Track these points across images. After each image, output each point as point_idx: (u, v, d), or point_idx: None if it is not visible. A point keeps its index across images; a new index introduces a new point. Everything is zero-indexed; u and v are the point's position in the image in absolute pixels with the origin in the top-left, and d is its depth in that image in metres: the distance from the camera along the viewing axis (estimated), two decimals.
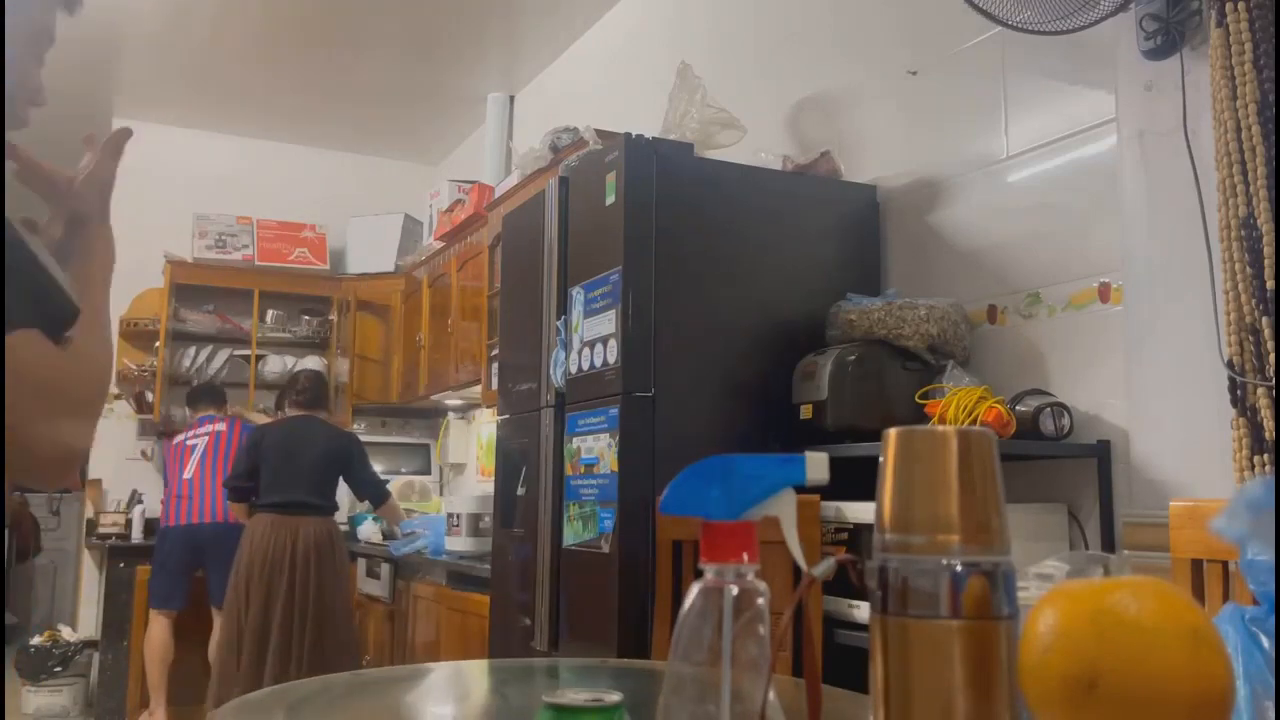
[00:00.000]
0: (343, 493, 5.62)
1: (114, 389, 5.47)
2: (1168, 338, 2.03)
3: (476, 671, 1.76)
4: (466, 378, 4.71)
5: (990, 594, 0.60)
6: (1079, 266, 2.25)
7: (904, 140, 2.75)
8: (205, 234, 5.73)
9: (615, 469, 2.36)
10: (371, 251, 5.93)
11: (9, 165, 1.25)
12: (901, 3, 2.82)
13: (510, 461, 2.97)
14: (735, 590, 0.65)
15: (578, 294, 2.61)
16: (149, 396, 5.56)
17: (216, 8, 4.56)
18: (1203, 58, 1.92)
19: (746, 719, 0.63)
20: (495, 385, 3.39)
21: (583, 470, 2.50)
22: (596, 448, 2.44)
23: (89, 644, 5.31)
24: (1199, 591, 1.35)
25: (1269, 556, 0.75)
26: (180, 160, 5.96)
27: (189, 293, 5.70)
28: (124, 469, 5.67)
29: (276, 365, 5.85)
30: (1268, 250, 1.73)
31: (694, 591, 0.66)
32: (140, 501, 5.53)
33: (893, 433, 0.64)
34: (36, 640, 5.29)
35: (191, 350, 5.70)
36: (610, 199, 2.48)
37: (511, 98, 5.41)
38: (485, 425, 5.26)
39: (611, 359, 2.42)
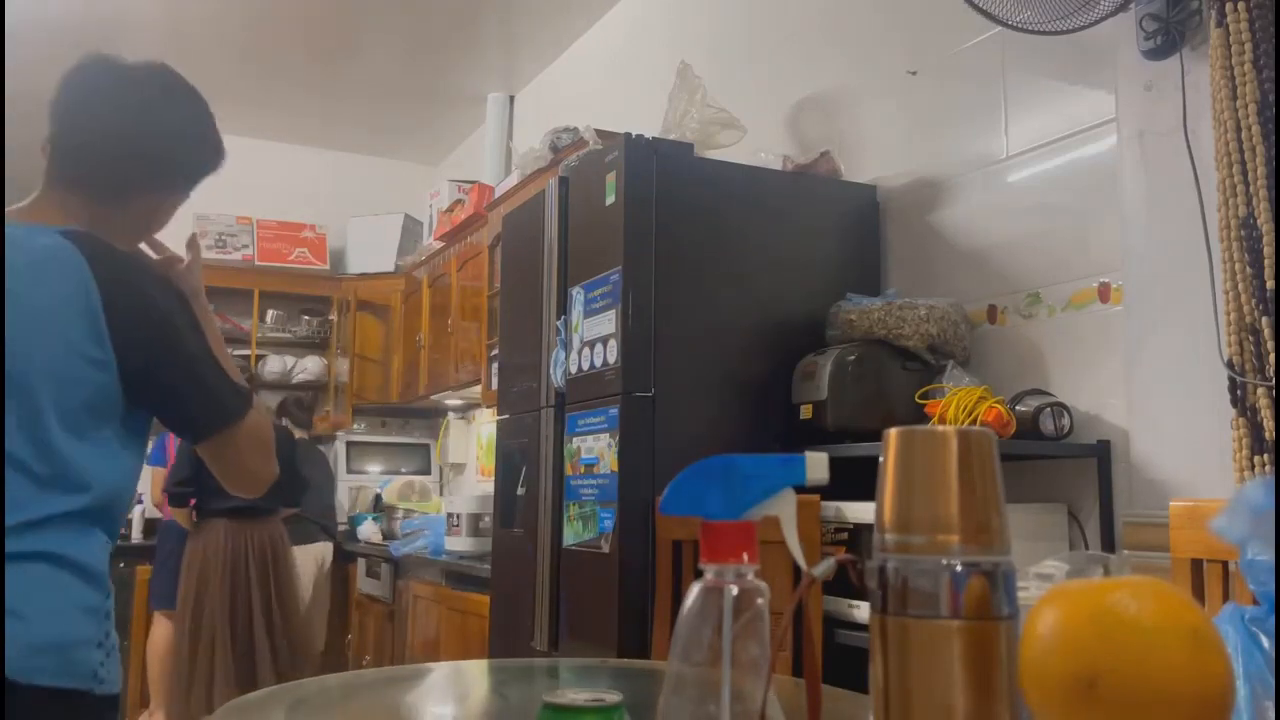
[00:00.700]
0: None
1: None
2: (1168, 338, 2.03)
3: (476, 671, 1.76)
4: (466, 378, 4.71)
5: (990, 594, 0.60)
6: (1079, 266, 2.25)
7: (904, 140, 2.75)
8: (205, 234, 5.72)
9: (615, 469, 2.36)
10: (371, 251, 5.94)
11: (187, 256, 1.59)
12: (901, 3, 2.82)
13: (510, 461, 2.97)
14: (735, 590, 0.65)
15: (578, 294, 2.61)
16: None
17: (215, 8, 4.56)
18: (1203, 58, 1.92)
19: (746, 719, 0.63)
20: (495, 385, 3.39)
21: (583, 470, 2.50)
22: (596, 448, 2.44)
23: None
24: (1199, 591, 1.35)
25: (1269, 556, 0.75)
26: None
27: None
28: None
29: (276, 365, 5.85)
30: (1268, 250, 1.73)
31: (694, 591, 0.66)
32: (140, 501, 5.52)
33: (893, 433, 0.64)
34: None
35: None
36: (610, 199, 2.48)
37: (511, 98, 5.41)
38: (485, 425, 5.27)
39: (611, 359, 2.42)
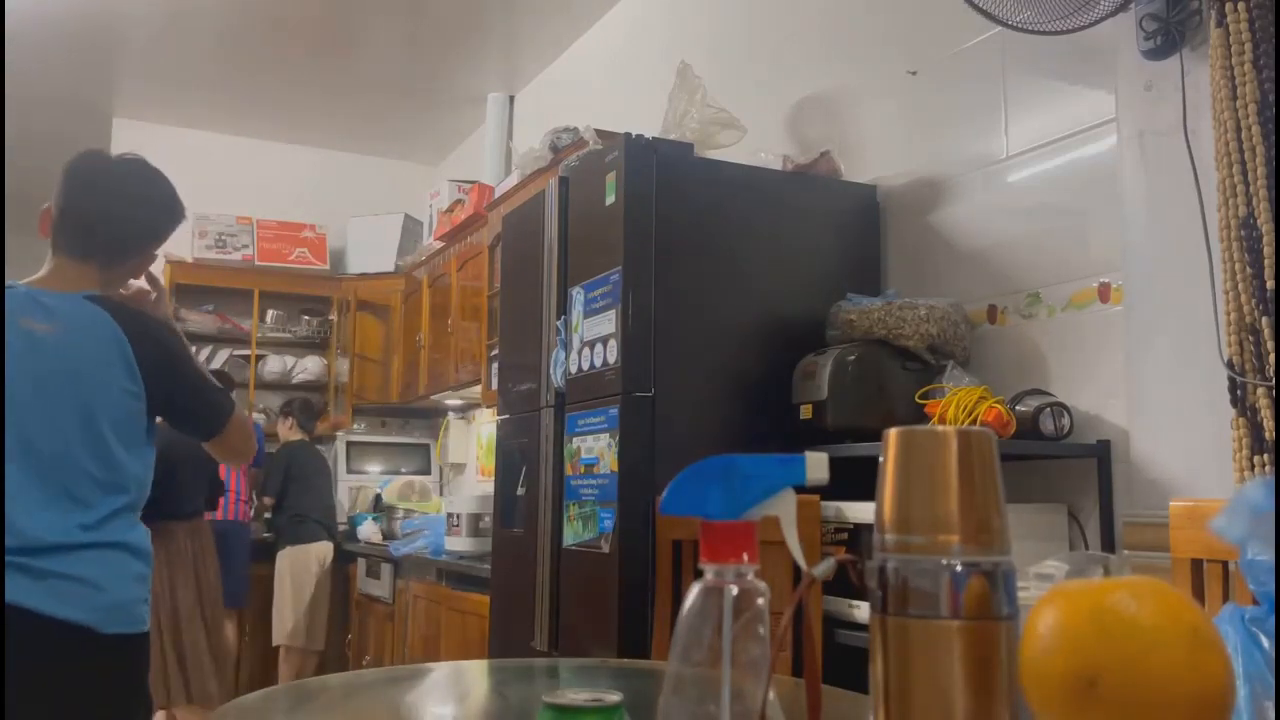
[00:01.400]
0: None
1: None
2: (1168, 338, 2.03)
3: (476, 671, 1.76)
4: (466, 378, 4.71)
5: (990, 594, 0.60)
6: (1079, 266, 2.25)
7: (904, 140, 2.75)
8: (205, 234, 5.73)
9: (615, 469, 2.36)
10: (371, 251, 5.94)
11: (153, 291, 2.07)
12: (901, 3, 2.82)
13: (510, 461, 2.97)
14: (735, 590, 0.65)
15: (578, 294, 2.61)
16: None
17: (216, 8, 4.56)
18: (1203, 58, 1.92)
19: (746, 719, 0.63)
20: (495, 385, 3.39)
21: (583, 470, 2.50)
22: (596, 448, 2.44)
23: None
24: (1199, 591, 1.35)
25: (1269, 556, 0.75)
26: (180, 160, 5.95)
27: (189, 293, 5.71)
28: None
29: (276, 365, 5.85)
30: (1268, 250, 1.73)
31: (694, 591, 0.66)
32: None
33: (893, 433, 0.64)
34: None
35: (191, 350, 5.70)
36: (610, 199, 2.48)
37: (511, 98, 5.41)
38: (485, 425, 5.27)
39: (611, 359, 2.42)
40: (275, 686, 1.23)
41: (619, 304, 2.41)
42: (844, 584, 2.05)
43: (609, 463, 2.39)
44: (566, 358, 2.63)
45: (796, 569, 0.68)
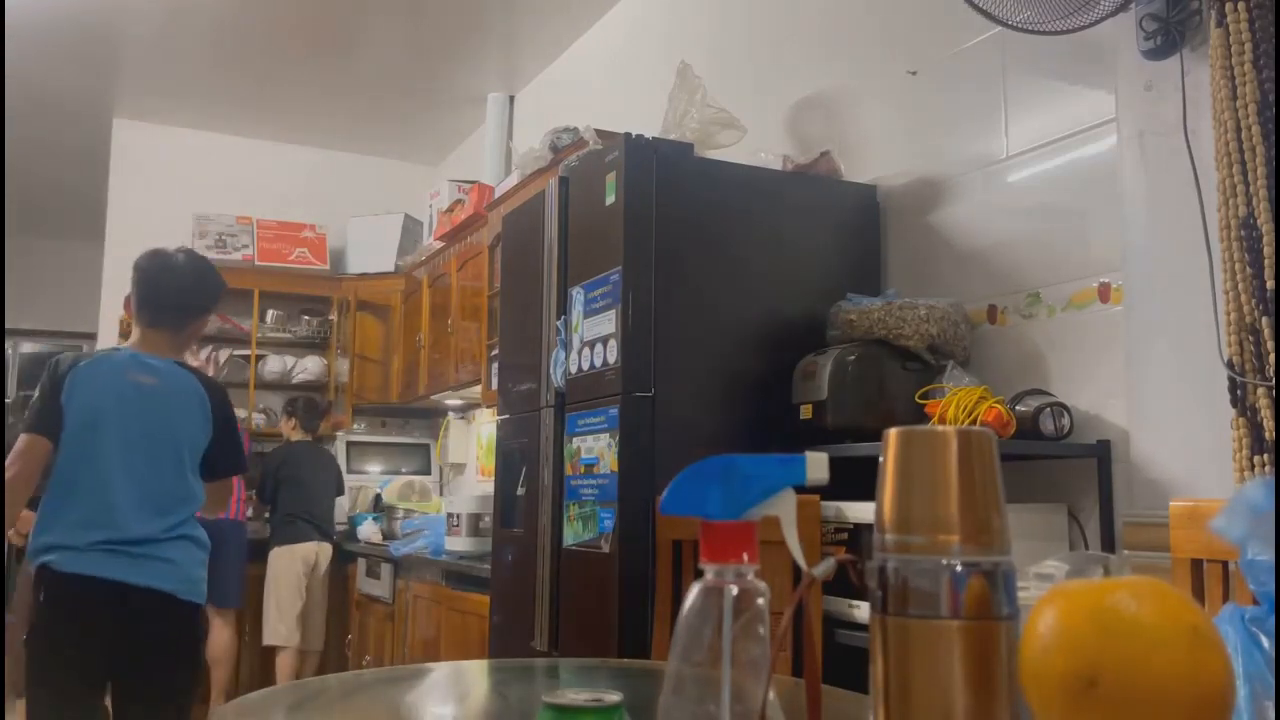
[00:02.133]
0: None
1: None
2: (1168, 338, 2.03)
3: (476, 671, 1.76)
4: (466, 378, 4.71)
5: (990, 594, 0.60)
6: (1079, 266, 2.25)
7: (904, 140, 2.75)
8: (205, 234, 5.72)
9: (615, 469, 2.36)
10: (371, 251, 5.93)
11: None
12: (901, 3, 2.82)
13: (510, 461, 2.97)
14: (735, 590, 0.65)
15: (578, 294, 2.61)
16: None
17: (216, 8, 4.56)
18: (1203, 58, 1.92)
19: (746, 719, 0.63)
20: (495, 385, 3.39)
21: (583, 470, 2.50)
22: (596, 448, 2.44)
23: None
24: (1199, 591, 1.35)
25: (1269, 556, 0.75)
26: (180, 160, 5.96)
27: None
28: None
29: (276, 365, 5.85)
30: (1268, 250, 1.73)
31: (694, 591, 0.66)
32: None
33: (893, 433, 0.64)
34: None
35: (191, 350, 5.70)
36: (610, 199, 2.48)
37: (511, 98, 5.41)
38: (485, 425, 5.27)
39: (611, 359, 2.42)
40: (275, 686, 1.23)
41: (619, 304, 2.41)
42: (844, 584, 2.05)
43: (609, 463, 2.39)
44: (566, 358, 2.63)
45: (796, 569, 0.68)
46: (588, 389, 2.52)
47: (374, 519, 5.25)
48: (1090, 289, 2.22)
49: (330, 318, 5.99)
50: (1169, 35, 2.01)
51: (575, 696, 0.71)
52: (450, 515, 4.08)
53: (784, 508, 0.68)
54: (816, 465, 0.68)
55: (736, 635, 0.64)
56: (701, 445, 2.15)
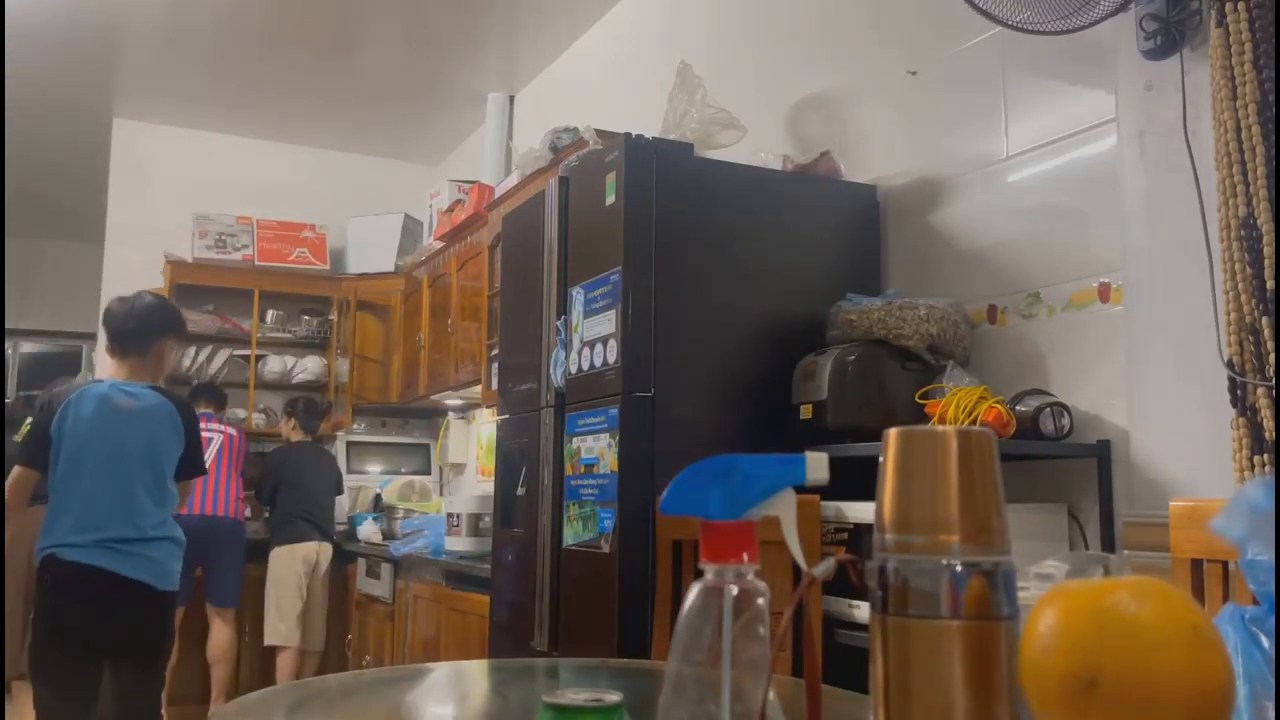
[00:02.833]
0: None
1: None
2: (1168, 338, 2.03)
3: (476, 671, 1.76)
4: (466, 378, 4.71)
5: (990, 594, 0.60)
6: (1079, 266, 2.25)
7: (904, 140, 2.75)
8: (205, 234, 5.72)
9: (615, 469, 2.36)
10: (371, 251, 5.93)
11: None
12: (901, 3, 2.82)
13: (510, 461, 2.97)
14: (735, 590, 0.65)
15: (578, 294, 2.61)
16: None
17: (217, 8, 4.56)
18: (1203, 58, 1.93)
19: (746, 719, 0.63)
20: (495, 385, 3.39)
21: (583, 470, 2.50)
22: (596, 448, 2.44)
23: None
24: (1199, 591, 1.35)
25: (1269, 556, 0.75)
26: (180, 160, 5.96)
27: (189, 293, 5.70)
28: None
29: (276, 365, 5.85)
30: (1268, 250, 1.73)
31: (694, 591, 0.66)
32: None
33: (893, 433, 0.64)
34: None
35: (191, 350, 5.70)
36: (610, 199, 2.48)
37: (511, 98, 5.41)
38: (485, 425, 5.27)
39: (611, 359, 2.42)
40: (275, 686, 1.23)
41: (619, 304, 2.41)
42: (844, 584, 2.05)
43: (609, 463, 2.39)
44: (566, 358, 2.63)
45: (796, 569, 0.68)
46: (588, 389, 2.52)
47: (374, 519, 5.25)
48: (1090, 289, 2.22)
49: (330, 318, 5.99)
50: (1169, 35, 2.01)
51: (575, 696, 0.71)
52: (450, 515, 4.08)
53: (784, 508, 0.68)
54: (816, 465, 0.68)
55: (736, 635, 0.64)
56: (701, 445, 2.15)
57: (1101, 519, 2.11)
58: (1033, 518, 2.15)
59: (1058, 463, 2.22)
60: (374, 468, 5.82)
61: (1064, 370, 2.26)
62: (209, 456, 5.00)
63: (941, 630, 0.60)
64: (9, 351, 8.10)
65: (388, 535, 5.07)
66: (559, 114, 4.21)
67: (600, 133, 3.17)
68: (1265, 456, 1.72)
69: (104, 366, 3.60)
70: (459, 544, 3.97)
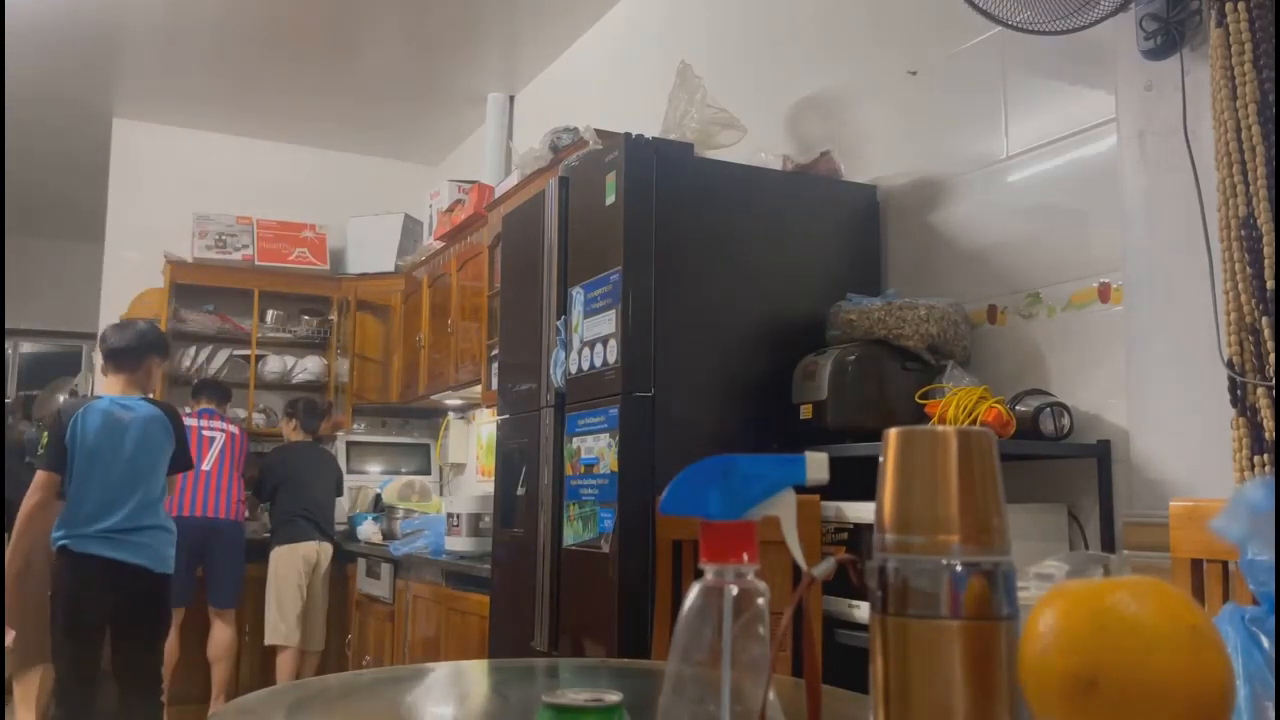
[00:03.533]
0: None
1: None
2: (1168, 338, 2.03)
3: (476, 671, 1.76)
4: (466, 378, 4.71)
5: (990, 594, 0.60)
6: (1079, 266, 2.25)
7: (904, 140, 2.75)
8: (205, 234, 5.72)
9: (615, 469, 2.36)
10: (371, 251, 5.93)
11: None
12: (901, 3, 2.82)
13: (510, 461, 2.97)
14: (735, 590, 0.65)
15: (578, 294, 2.61)
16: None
17: (217, 8, 4.56)
18: (1203, 58, 1.93)
19: (746, 719, 0.63)
20: (495, 385, 3.39)
21: (583, 470, 2.50)
22: (596, 448, 2.44)
23: None
24: (1199, 591, 1.35)
25: (1269, 556, 0.75)
26: (180, 160, 5.96)
27: (189, 293, 5.71)
28: None
29: (276, 365, 5.85)
30: (1268, 250, 1.73)
31: (694, 591, 0.66)
32: None
33: (893, 433, 0.64)
34: None
35: (191, 350, 5.71)
36: (610, 199, 2.48)
37: (511, 98, 5.41)
38: (485, 425, 5.26)
39: (611, 359, 2.42)
40: (275, 686, 1.23)
41: (619, 304, 2.41)
42: (844, 584, 2.05)
43: (609, 463, 2.39)
44: (566, 358, 2.63)
45: (796, 569, 0.68)
46: (588, 389, 2.52)
47: (374, 519, 5.24)
48: (1090, 289, 2.22)
49: (330, 318, 5.99)
50: (1169, 35, 2.01)
51: (575, 696, 0.71)
52: (450, 515, 4.08)
53: (784, 508, 0.68)
54: (816, 465, 0.68)
55: (736, 635, 0.64)
56: (701, 445, 2.15)
57: (1101, 519, 2.12)
58: (1033, 518, 2.15)
59: (1058, 463, 2.22)
60: (374, 468, 5.82)
61: (1064, 370, 2.26)
62: (212, 455, 5.02)
63: (941, 630, 0.60)
64: (9, 351, 8.09)
65: (388, 535, 5.06)
66: (559, 114, 4.21)
67: (600, 133, 3.17)
68: (1265, 456, 1.72)
69: (100, 383, 4.07)
70: (459, 544, 3.97)
